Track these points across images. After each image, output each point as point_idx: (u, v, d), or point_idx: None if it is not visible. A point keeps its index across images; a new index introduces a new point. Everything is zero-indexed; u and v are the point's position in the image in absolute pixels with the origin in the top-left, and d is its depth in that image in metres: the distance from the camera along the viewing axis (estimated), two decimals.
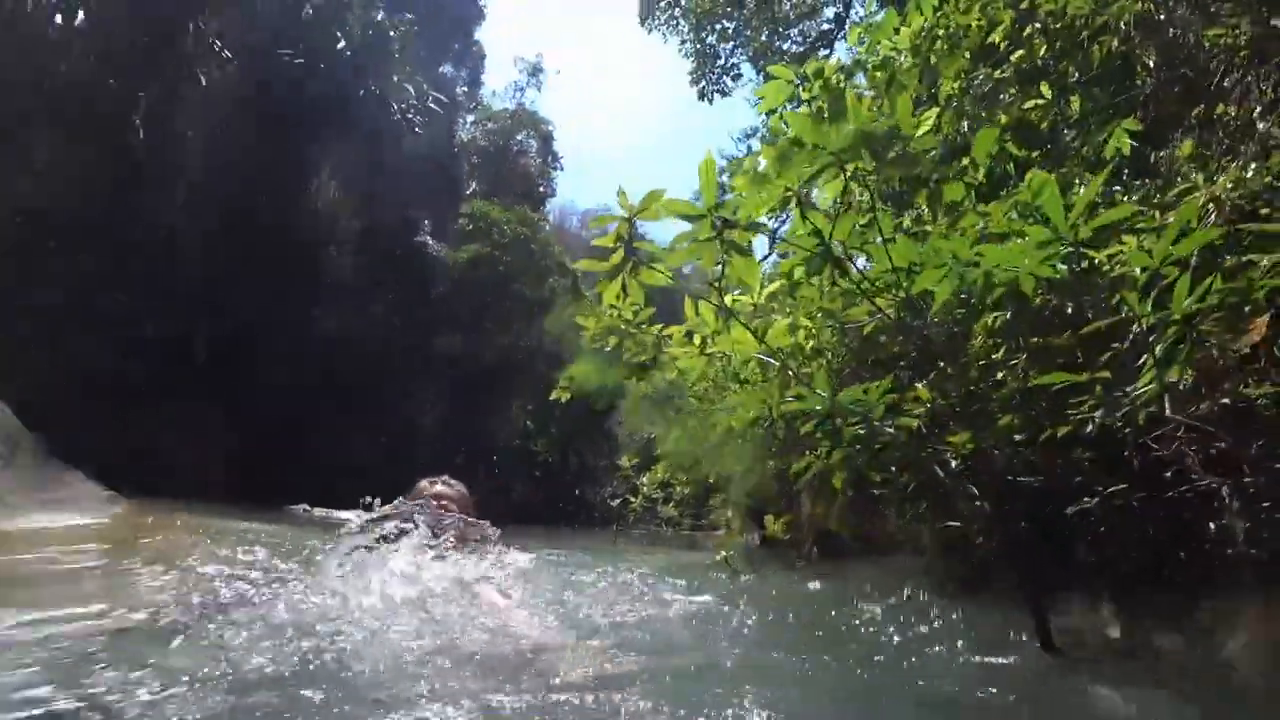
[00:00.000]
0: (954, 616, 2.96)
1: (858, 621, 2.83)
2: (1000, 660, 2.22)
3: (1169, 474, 2.04)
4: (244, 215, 20.37)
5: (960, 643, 2.42)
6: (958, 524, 2.92)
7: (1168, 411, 1.56)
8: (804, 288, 2.57)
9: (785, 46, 16.09)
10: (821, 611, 2.96)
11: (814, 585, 3.63)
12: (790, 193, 1.37)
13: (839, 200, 1.56)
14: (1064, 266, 1.90)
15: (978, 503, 2.88)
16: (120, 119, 14.84)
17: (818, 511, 3.88)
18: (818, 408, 2.33)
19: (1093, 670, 2.05)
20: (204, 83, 17.18)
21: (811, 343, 3.04)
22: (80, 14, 13.56)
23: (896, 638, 2.55)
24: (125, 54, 15.16)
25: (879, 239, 1.78)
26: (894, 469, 2.95)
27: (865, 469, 2.64)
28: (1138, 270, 1.58)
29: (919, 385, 2.46)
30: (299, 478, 17.16)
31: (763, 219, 1.55)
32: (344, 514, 11.27)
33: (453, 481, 3.26)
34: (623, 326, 2.82)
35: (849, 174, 1.35)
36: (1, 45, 12.99)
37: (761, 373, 3.01)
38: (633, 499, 6.63)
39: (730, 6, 16.00)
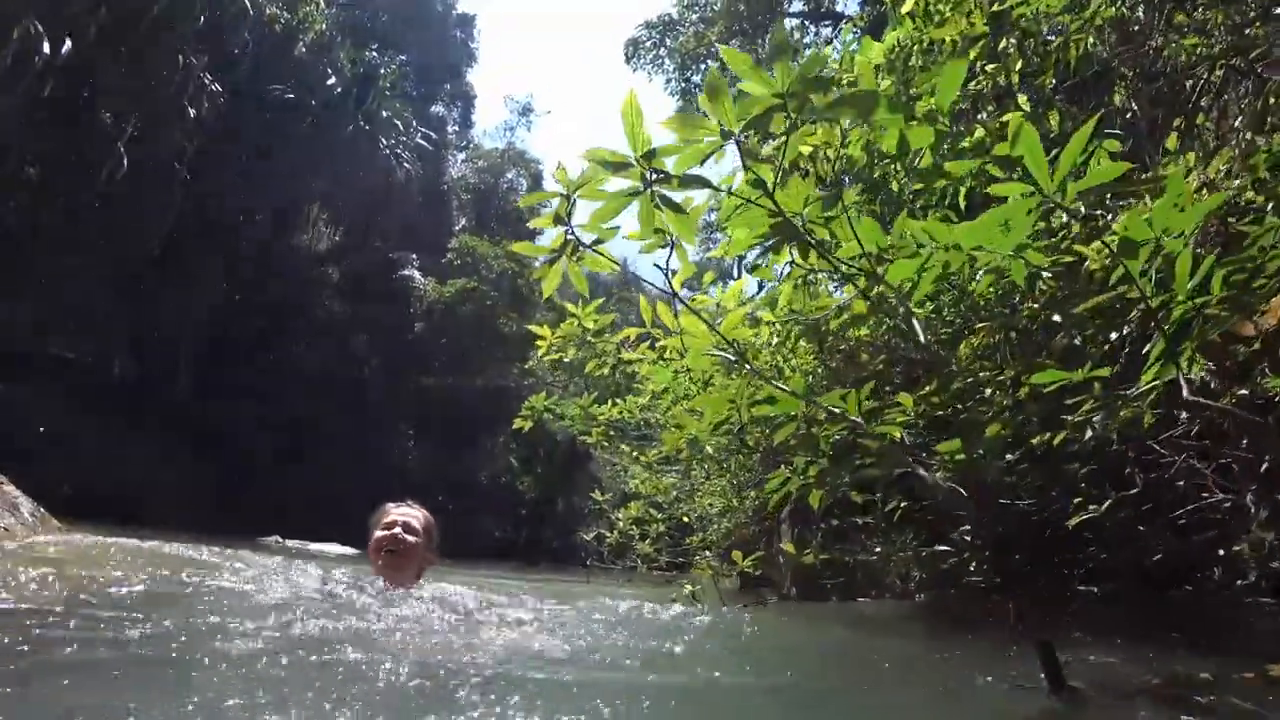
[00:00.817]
0: (948, 657, 2.68)
1: (834, 666, 2.54)
2: (1006, 708, 1.93)
3: (1178, 486, 1.82)
4: (229, 248, 20.28)
5: (958, 690, 2.14)
6: (950, 550, 2.67)
7: (1185, 394, 1.34)
8: (761, 270, 2.36)
9: None
10: (796, 654, 2.68)
11: (783, 619, 3.32)
12: (725, 138, 1.15)
13: (785, 162, 1.35)
14: (1047, 256, 1.69)
15: (969, 526, 2.63)
16: (106, 148, 14.70)
17: (795, 547, 3.60)
18: (791, 412, 2.10)
19: (1110, 715, 1.77)
20: (192, 114, 17.15)
21: (775, 340, 2.83)
22: (68, 43, 13.48)
23: (878, 687, 2.26)
24: (112, 85, 15.12)
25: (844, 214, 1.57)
26: (877, 488, 2.71)
27: (846, 486, 2.39)
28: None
29: (903, 395, 2.23)
30: (280, 512, 16.74)
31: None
32: (319, 546, 10.73)
33: (416, 508, 3.06)
34: (580, 334, 2.59)
35: (794, 118, 1.14)
36: None
37: (726, 375, 2.78)
38: (608, 535, 6.31)
39: (714, 45, 16.19)
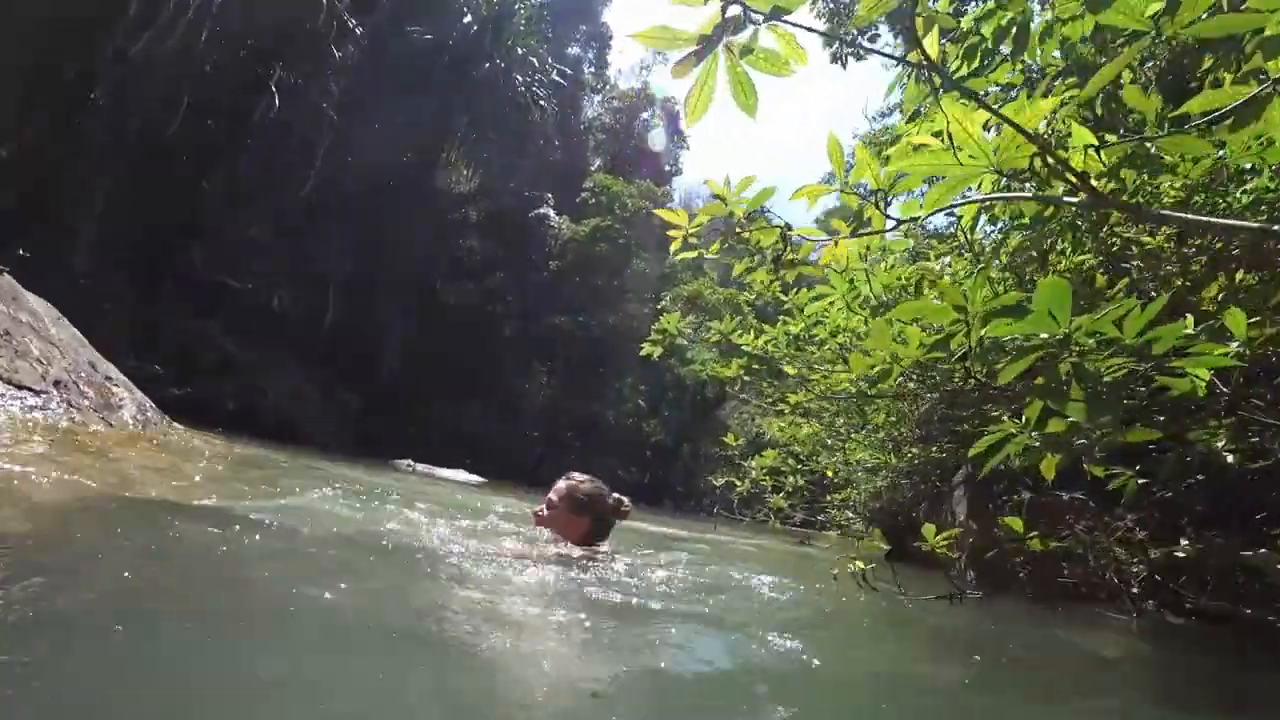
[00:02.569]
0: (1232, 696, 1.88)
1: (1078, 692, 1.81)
2: None
3: None
4: (374, 188, 20.98)
5: None
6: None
7: None
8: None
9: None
10: (1030, 667, 1.96)
11: (989, 626, 2.57)
12: None
13: None
14: None
15: None
16: (255, 94, 15.29)
17: (978, 524, 2.84)
18: (1044, 334, 1.36)
19: None
20: (337, 56, 17.57)
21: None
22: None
23: None
24: (260, 33, 15.62)
25: None
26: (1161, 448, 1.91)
27: (1104, 448, 1.62)
28: None
29: (1232, 313, 1.42)
30: (415, 440, 17.55)
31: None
32: (447, 472, 11.06)
33: (583, 479, 3.00)
34: (729, 219, 1.88)
35: None
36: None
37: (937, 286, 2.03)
38: (738, 483, 5.71)
39: None
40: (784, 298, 3.71)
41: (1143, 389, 1.83)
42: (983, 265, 2.46)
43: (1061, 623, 2.72)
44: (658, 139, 34.47)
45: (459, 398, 20.44)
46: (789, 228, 1.82)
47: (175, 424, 6.00)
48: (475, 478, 11.38)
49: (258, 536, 1.86)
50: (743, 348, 3.59)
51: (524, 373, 23.61)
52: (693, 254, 1.95)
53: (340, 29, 17.69)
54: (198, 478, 2.67)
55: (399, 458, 13.51)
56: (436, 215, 23.81)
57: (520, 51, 24.63)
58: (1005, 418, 1.73)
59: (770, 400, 4.38)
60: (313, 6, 16.34)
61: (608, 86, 38.35)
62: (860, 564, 2.51)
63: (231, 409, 13.55)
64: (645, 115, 37.90)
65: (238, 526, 1.88)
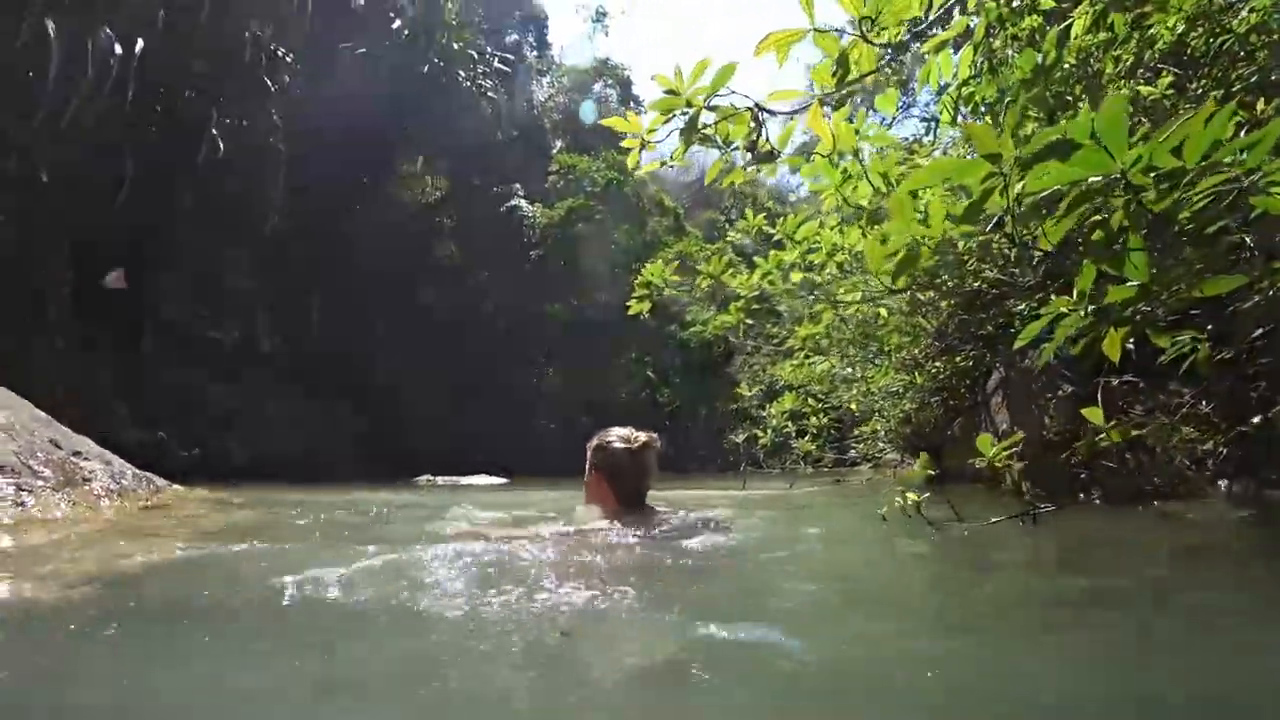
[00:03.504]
0: None
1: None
2: None
3: None
4: (339, 211, 20.59)
5: None
6: None
7: None
8: None
9: None
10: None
11: (1072, 539, 2.29)
12: None
13: None
14: None
15: None
16: (197, 133, 14.87)
17: (1024, 429, 2.56)
18: (1098, 175, 1.10)
19: None
20: (273, 88, 17.09)
21: None
22: (140, 42, 13.48)
23: None
24: (189, 78, 15.15)
25: None
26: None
27: (1190, 292, 1.36)
28: None
29: None
30: (430, 454, 17.38)
31: None
32: (469, 479, 10.90)
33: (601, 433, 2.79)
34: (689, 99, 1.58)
35: None
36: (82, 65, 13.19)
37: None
38: (760, 434, 5.46)
39: None
40: (772, 229, 3.43)
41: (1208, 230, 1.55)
42: (1011, 98, 2.15)
43: (1150, 522, 2.46)
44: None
45: (465, 403, 20.25)
46: (759, 107, 1.54)
47: (174, 485, 5.75)
48: (499, 480, 11.21)
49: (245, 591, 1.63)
50: (737, 290, 3.32)
51: (526, 366, 23.39)
52: (654, 165, 1.68)
53: (269, 59, 17.20)
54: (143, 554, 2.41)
55: (416, 475, 13.34)
56: (408, 229, 23.43)
57: (456, 46, 24.04)
58: (1054, 298, 1.47)
59: (778, 341, 4.12)
60: (236, 41, 15.86)
61: (554, 66, 37.65)
62: (912, 495, 2.25)
63: (239, 461, 13.38)
64: (597, 86, 37.34)
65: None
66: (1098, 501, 2.61)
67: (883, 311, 3.58)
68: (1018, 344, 1.75)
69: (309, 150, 18.86)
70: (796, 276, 3.01)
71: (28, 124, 12.13)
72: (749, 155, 1.68)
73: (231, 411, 14.70)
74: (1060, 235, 1.33)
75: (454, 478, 11.20)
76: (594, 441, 2.72)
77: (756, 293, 3.23)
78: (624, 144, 1.71)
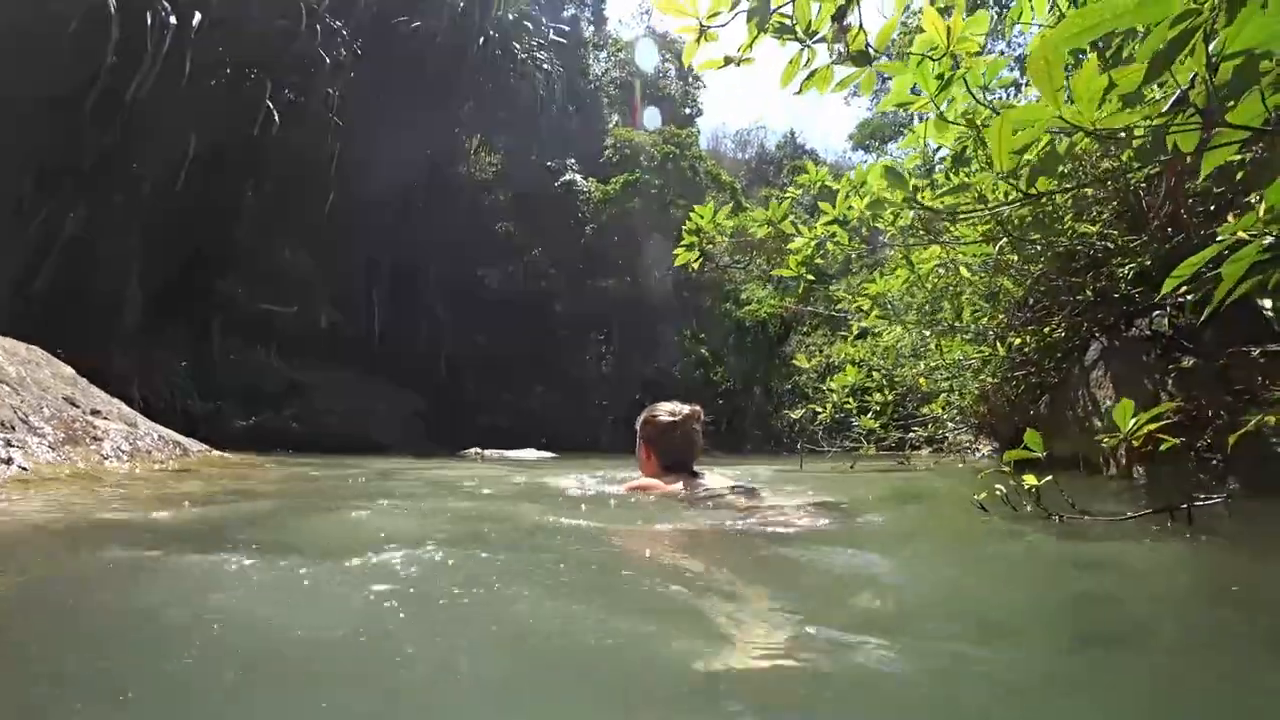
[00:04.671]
0: None
1: None
2: None
3: None
4: (396, 188, 20.66)
5: None
6: None
7: None
8: None
9: None
10: None
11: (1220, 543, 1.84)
12: None
13: None
14: None
15: None
16: (252, 110, 14.99)
17: (1149, 403, 2.13)
18: None
19: None
20: (328, 61, 17.14)
21: None
22: (197, 16, 13.61)
23: None
24: (245, 52, 15.27)
25: None
26: None
27: None
28: None
29: None
30: (486, 430, 17.46)
31: None
32: (516, 453, 10.86)
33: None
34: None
35: None
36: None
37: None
38: (819, 410, 5.06)
39: None
40: (835, 185, 3.03)
41: None
42: None
43: None
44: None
45: (521, 381, 20.25)
46: None
47: (215, 451, 5.69)
48: (546, 454, 11.08)
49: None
50: (794, 248, 2.93)
51: (581, 344, 23.26)
52: (715, 64, 1.33)
53: (325, 32, 17.24)
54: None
55: (470, 448, 13.34)
56: (465, 205, 23.45)
57: (512, 18, 23.81)
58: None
59: (842, 306, 3.71)
60: (292, 13, 15.90)
61: (611, 41, 37.17)
62: (1030, 479, 1.85)
63: (296, 429, 13.59)
64: (655, 62, 36.79)
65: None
66: (1232, 492, 2.16)
67: (964, 271, 3.13)
68: (1166, 287, 1.34)
69: (364, 127, 18.96)
70: (887, 218, 2.59)
71: (81, 104, 12.35)
72: (836, 51, 1.31)
73: (291, 386, 14.96)
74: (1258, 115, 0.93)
75: (502, 451, 11.11)
76: (642, 416, 2.80)
77: (817, 248, 2.84)
78: (679, 30, 1.37)
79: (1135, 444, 1.61)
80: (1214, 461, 2.22)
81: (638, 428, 2.81)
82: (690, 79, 37.81)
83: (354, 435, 14.07)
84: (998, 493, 1.95)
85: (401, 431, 15.87)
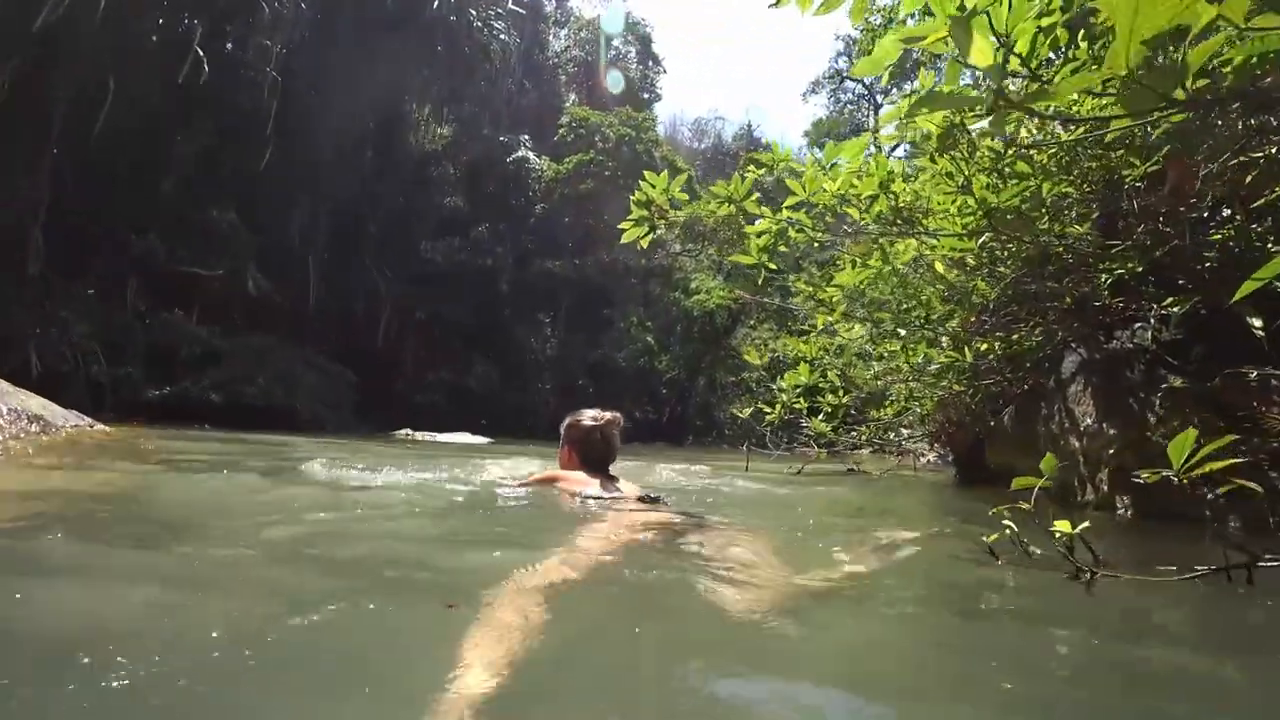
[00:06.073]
0: None
1: None
2: None
3: None
4: (340, 152, 19.61)
5: None
6: None
7: None
8: None
9: None
10: None
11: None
12: None
13: None
14: None
15: None
16: (180, 55, 13.89)
17: (1117, 426, 1.88)
18: None
19: None
20: (267, 11, 16.03)
21: None
22: None
23: None
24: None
25: None
26: None
27: None
28: None
29: None
30: (420, 408, 16.83)
31: None
32: (447, 436, 10.48)
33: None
34: None
35: None
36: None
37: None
38: (768, 409, 4.79)
39: None
40: (801, 168, 2.70)
41: None
42: None
43: None
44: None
45: (461, 359, 19.56)
46: None
47: (99, 426, 5.12)
48: (480, 439, 10.62)
49: None
50: (752, 232, 2.59)
51: (526, 324, 22.66)
52: None
53: None
54: None
55: (402, 428, 12.76)
56: (411, 174, 22.51)
57: None
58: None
59: (798, 301, 3.40)
60: None
61: (572, 18, 36.34)
62: (1064, 526, 1.53)
63: (216, 401, 12.74)
64: (616, 42, 36.13)
65: None
66: (1234, 529, 1.93)
67: (939, 265, 2.86)
68: (1237, 297, 1.04)
69: (307, 85, 17.89)
70: (853, 213, 2.29)
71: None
72: None
73: (211, 354, 14.01)
74: None
75: (433, 434, 10.60)
76: (566, 420, 3.03)
77: (779, 234, 2.51)
78: None
79: (1183, 480, 1.32)
80: (1208, 496, 1.99)
81: (562, 431, 3.03)
82: (650, 63, 37.29)
83: (278, 409, 13.28)
84: (1008, 531, 1.63)
85: (331, 408, 15.09)
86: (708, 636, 1.21)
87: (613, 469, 2.96)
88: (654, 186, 2.38)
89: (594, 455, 2.89)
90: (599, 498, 2.59)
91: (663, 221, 2.41)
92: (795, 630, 1.26)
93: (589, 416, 2.94)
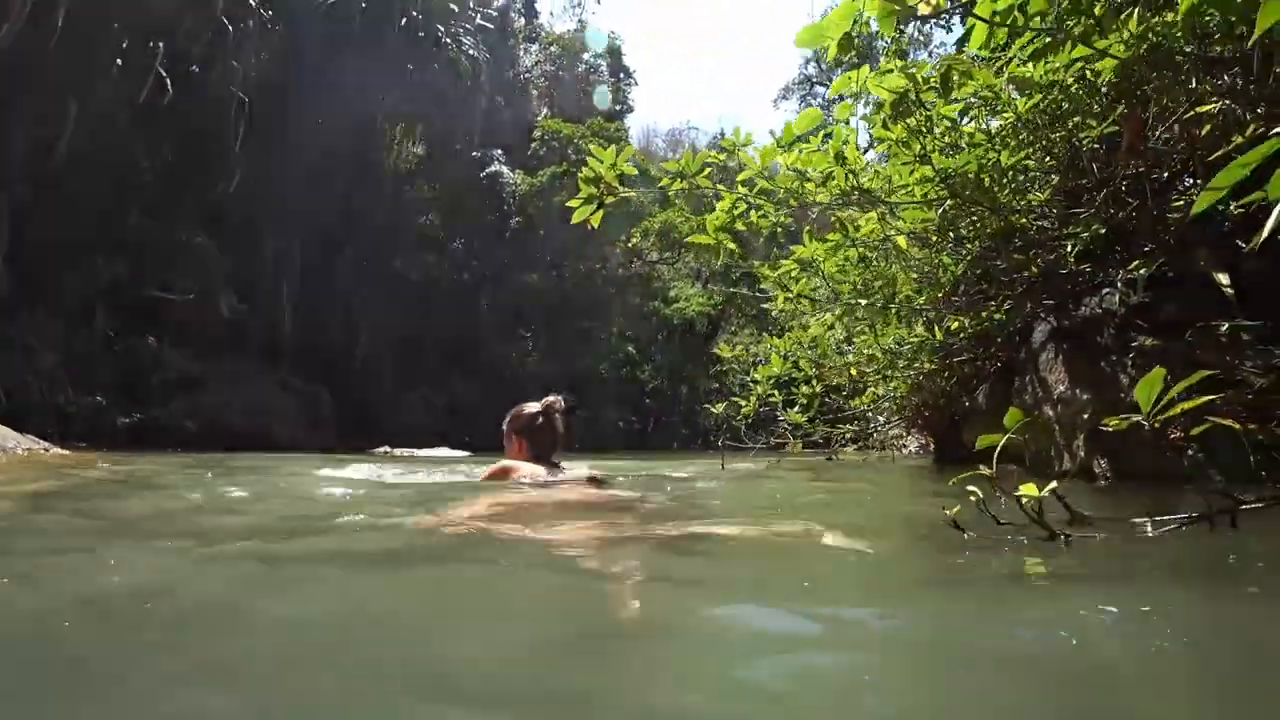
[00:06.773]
0: None
1: None
2: None
3: None
4: (312, 173, 19.39)
5: None
6: None
7: None
8: None
9: None
10: None
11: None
12: None
13: None
14: None
15: None
16: (141, 76, 13.69)
17: (1091, 391, 1.84)
18: None
19: None
20: (232, 31, 15.87)
21: None
22: None
23: None
24: (137, 13, 13.88)
25: None
26: None
27: None
28: None
29: None
30: (403, 427, 16.57)
31: None
32: (427, 451, 10.33)
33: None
34: None
35: None
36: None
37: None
38: (743, 403, 4.70)
39: None
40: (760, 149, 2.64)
41: None
42: None
43: None
44: (601, 98, 32.49)
45: (441, 377, 19.36)
46: None
47: (54, 449, 4.95)
48: (459, 452, 10.46)
49: None
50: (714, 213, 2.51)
51: (506, 338, 22.50)
52: None
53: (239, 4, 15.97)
54: None
55: (392, 444, 12.52)
56: (385, 191, 22.33)
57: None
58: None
59: (767, 286, 3.34)
60: None
61: (543, 34, 36.45)
62: (1032, 489, 1.44)
63: (189, 427, 12.47)
64: (587, 56, 36.30)
65: None
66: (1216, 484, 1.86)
67: (901, 241, 2.79)
68: (1195, 209, 0.97)
69: (276, 104, 17.71)
70: (811, 189, 2.23)
71: None
72: None
73: (184, 380, 13.74)
74: None
75: (412, 450, 10.42)
76: (509, 415, 3.06)
77: (737, 213, 2.44)
78: None
79: (1155, 424, 1.25)
80: (1188, 452, 1.93)
81: (505, 427, 3.05)
82: (621, 75, 37.47)
83: (254, 433, 13.01)
84: (973, 498, 1.54)
85: (309, 429, 14.83)
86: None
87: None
88: (601, 162, 2.30)
89: (545, 441, 2.88)
90: (552, 481, 2.61)
91: (611, 199, 2.33)
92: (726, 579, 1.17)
93: (529, 407, 2.97)
